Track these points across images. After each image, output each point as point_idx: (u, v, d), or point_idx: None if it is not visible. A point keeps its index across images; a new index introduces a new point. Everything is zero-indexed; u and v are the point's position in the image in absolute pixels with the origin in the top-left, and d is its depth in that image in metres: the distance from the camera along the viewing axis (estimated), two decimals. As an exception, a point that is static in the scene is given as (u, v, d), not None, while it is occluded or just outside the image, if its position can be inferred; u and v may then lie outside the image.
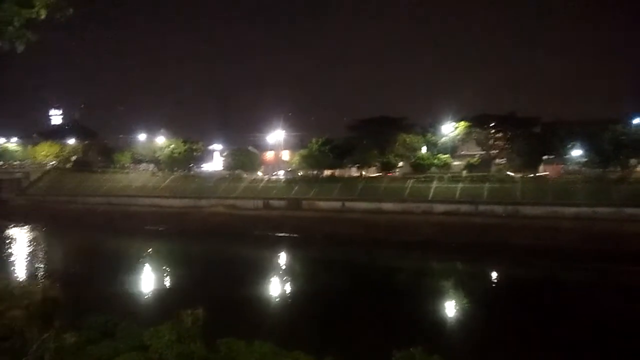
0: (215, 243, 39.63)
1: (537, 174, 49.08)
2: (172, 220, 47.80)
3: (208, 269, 29.88)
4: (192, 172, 66.97)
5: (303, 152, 59.51)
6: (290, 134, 72.09)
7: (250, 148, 71.67)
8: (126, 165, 71.85)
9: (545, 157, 51.20)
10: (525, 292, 23.66)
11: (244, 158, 65.58)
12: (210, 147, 79.23)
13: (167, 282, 26.19)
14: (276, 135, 71.40)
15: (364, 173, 56.73)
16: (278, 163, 72.13)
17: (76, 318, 10.33)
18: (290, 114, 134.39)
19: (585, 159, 47.09)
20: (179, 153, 65.28)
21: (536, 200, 39.87)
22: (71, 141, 78.66)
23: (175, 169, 66.33)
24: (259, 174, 64.98)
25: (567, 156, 49.75)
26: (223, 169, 70.53)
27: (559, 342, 15.23)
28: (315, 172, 58.71)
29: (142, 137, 74.49)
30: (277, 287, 24.94)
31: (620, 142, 42.73)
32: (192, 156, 67.06)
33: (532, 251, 31.13)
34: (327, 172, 59.07)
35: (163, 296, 22.73)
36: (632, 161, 45.44)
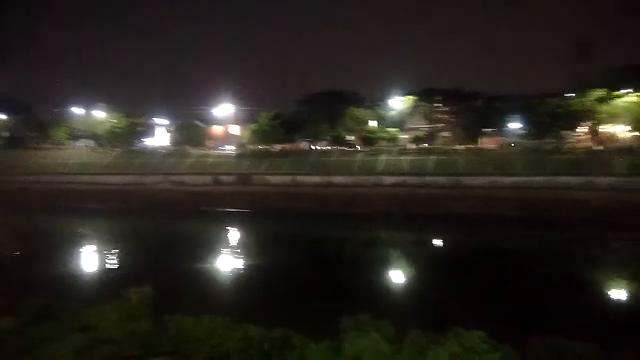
0: (162, 220, 38.43)
1: (479, 146, 51.28)
2: (115, 198, 45.71)
3: (155, 246, 28.96)
4: (135, 148, 64.00)
5: (253, 126, 58.52)
6: (239, 107, 70.42)
7: (197, 122, 69.32)
8: (63, 142, 67.35)
9: (486, 129, 53.54)
10: (467, 258, 24.85)
11: (190, 133, 63.52)
12: (155, 122, 75.70)
13: (112, 262, 25.13)
14: (224, 109, 69.43)
15: (314, 147, 56.85)
16: (227, 137, 70.47)
17: (13, 302, 9.65)
18: (238, 87, 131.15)
19: (523, 131, 49.86)
20: (121, 128, 62.02)
21: (478, 171, 41.78)
22: (1, 116, 72.25)
23: (117, 144, 63.08)
24: (207, 149, 63.23)
25: (506, 128, 52.35)
26: (169, 144, 67.98)
27: (498, 305, 16.19)
28: (265, 146, 58.02)
29: (79, 111, 69.71)
30: (227, 262, 24.65)
31: (556, 114, 45.37)
32: (135, 131, 64.03)
33: (474, 219, 32.71)
34: (277, 147, 58.55)
35: (108, 276, 21.80)
36: (565, 132, 48.52)
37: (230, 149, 62.47)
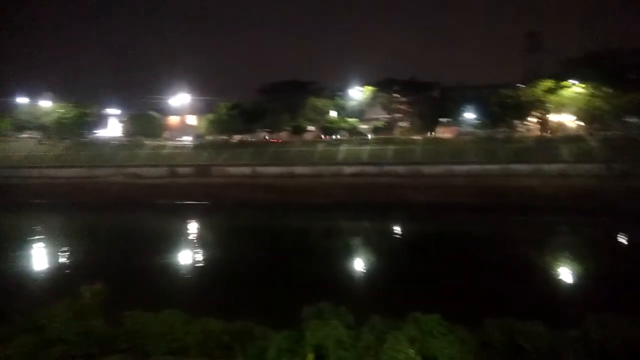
0: (116, 215, 37.07)
1: (435, 136, 52.61)
2: (65, 192, 43.58)
3: (109, 242, 27.93)
4: (85, 139, 61.15)
5: (211, 116, 57.29)
6: (196, 97, 68.62)
7: (151, 112, 67.03)
8: (6, 134, 63.28)
9: (443, 119, 55.00)
10: (425, 244, 25.58)
11: (145, 123, 61.38)
12: (106, 112, 72.52)
13: (63, 259, 24.01)
14: (181, 99, 67.47)
15: (268, 137, 56.40)
16: (184, 128, 68.63)
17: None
18: (196, 76, 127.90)
19: (477, 121, 51.62)
20: (69, 118, 58.99)
21: (434, 160, 42.92)
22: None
23: (66, 136, 60.01)
24: (163, 140, 61.38)
25: (461, 118, 54.00)
26: (122, 136, 65.40)
27: (455, 288, 16.76)
28: (224, 137, 57.01)
29: (24, 101, 65.55)
30: (186, 256, 24.13)
31: (507, 104, 47.18)
32: (85, 122, 61.09)
33: (432, 207, 33.62)
34: (236, 137, 57.68)
35: (59, 274, 20.84)
36: (517, 122, 50.59)
37: (187, 140, 60.94)
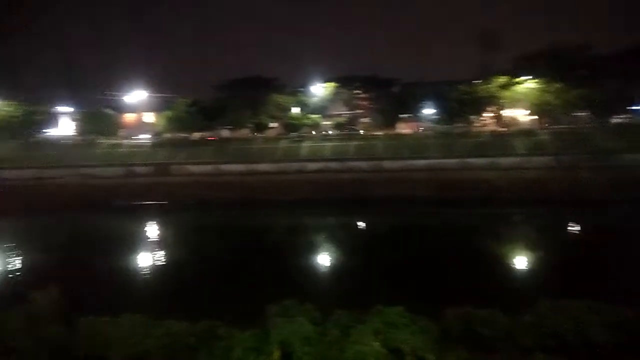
0: (70, 217, 35.47)
1: (396, 131, 53.54)
2: (15, 194, 41.27)
3: (63, 245, 26.67)
4: (35, 139, 58.08)
5: (169, 113, 55.77)
6: (153, 94, 66.45)
7: (106, 110, 64.44)
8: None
9: (403, 115, 56.03)
10: (388, 238, 26.03)
11: (99, 121, 59.02)
12: (57, 110, 68.99)
13: (12, 265, 22.77)
14: (136, 96, 65.19)
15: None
16: (141, 126, 66.46)
17: None
18: (152, 72, 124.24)
19: (436, 116, 52.95)
20: (17, 117, 55.79)
21: (395, 155, 43.70)
22: None
23: (14, 136, 56.68)
24: (119, 138, 59.22)
25: (421, 114, 55.23)
26: (75, 134, 62.61)
27: (417, 280, 17.18)
28: (183, 134, 55.73)
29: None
30: (146, 258, 23.46)
31: (464, 100, 48.62)
32: (34, 120, 57.91)
33: (394, 201, 34.23)
34: (196, 135, 56.52)
35: (8, 280, 19.77)
36: (473, 117, 52.25)
37: (144, 138, 59.13)
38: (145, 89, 64.89)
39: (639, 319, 8.51)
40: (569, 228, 27.75)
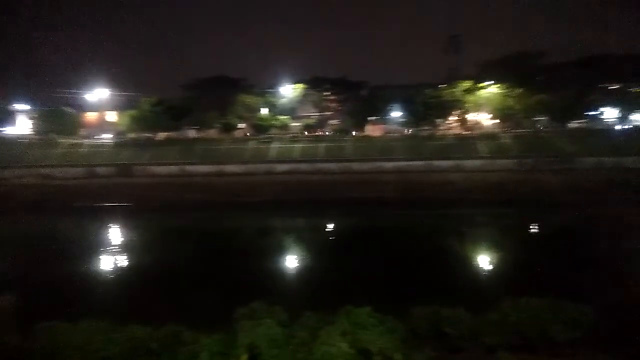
0: (27, 219, 33.86)
1: (365, 133, 54.09)
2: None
3: (19, 249, 25.44)
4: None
5: (133, 112, 54.23)
6: (116, 92, 64.31)
7: (66, 108, 61.95)
8: None
9: (371, 117, 56.70)
10: (356, 239, 26.16)
11: (59, 120, 56.73)
12: (13, 108, 65.75)
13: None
14: (98, 94, 62.99)
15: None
16: (102, 125, 64.29)
17: None
18: (115, 70, 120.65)
19: (403, 119, 53.90)
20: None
21: (364, 157, 44.12)
22: None
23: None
24: (80, 138, 57.08)
25: (389, 116, 56.07)
26: (32, 133, 59.90)
27: (385, 280, 17.34)
28: (148, 134, 54.34)
29: None
30: (108, 261, 22.68)
31: (430, 104, 49.68)
32: (-12, 118, 55.18)
33: (363, 202, 34.49)
34: (162, 135, 55.24)
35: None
36: (439, 120, 53.46)
37: (107, 137, 57.26)
38: (108, 87, 62.84)
39: (595, 315, 8.87)
40: (530, 228, 28.76)
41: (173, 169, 44.67)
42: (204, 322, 9.75)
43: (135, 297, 16.39)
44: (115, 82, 65.49)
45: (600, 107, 51.58)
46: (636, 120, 50.16)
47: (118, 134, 57.49)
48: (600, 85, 49.08)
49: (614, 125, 50.73)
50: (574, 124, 51.06)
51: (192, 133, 57.46)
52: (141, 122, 53.09)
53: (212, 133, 56.33)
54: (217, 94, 52.76)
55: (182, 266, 20.44)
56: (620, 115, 50.23)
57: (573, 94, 46.92)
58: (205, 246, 25.35)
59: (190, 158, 46.10)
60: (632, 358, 8.19)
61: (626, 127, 48.88)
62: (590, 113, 51.80)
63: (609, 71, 46.45)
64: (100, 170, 44.93)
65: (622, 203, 30.65)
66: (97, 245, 25.80)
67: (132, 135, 55.27)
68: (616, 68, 45.93)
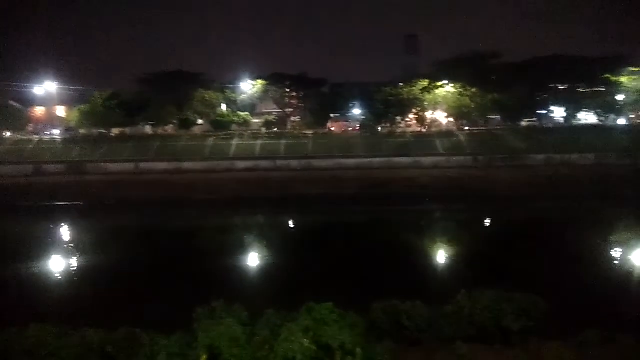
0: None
1: (326, 130, 54.33)
2: None
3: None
4: None
5: (84, 107, 51.86)
6: (66, 86, 61.12)
7: (11, 103, 58.37)
8: None
9: (333, 115, 57.02)
10: (318, 236, 26.27)
11: (4, 115, 53.40)
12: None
13: None
14: (46, 88, 59.69)
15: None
16: (52, 121, 61.14)
17: None
18: (65, 63, 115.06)
19: (363, 117, 54.56)
20: None
21: (325, 154, 44.29)
22: None
23: None
24: (27, 134, 54.04)
25: (350, 114, 56.58)
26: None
27: (347, 275, 17.50)
28: (101, 130, 52.20)
29: None
30: (57, 263, 21.61)
31: (389, 102, 50.52)
32: None
33: (324, 199, 34.65)
34: (115, 131, 53.20)
35: None
36: (398, 118, 54.47)
37: (56, 133, 54.55)
38: (57, 81, 59.64)
39: (545, 304, 9.33)
40: (484, 223, 29.90)
41: (128, 166, 43.12)
42: (161, 323, 9.50)
43: (86, 299, 15.73)
44: (65, 75, 62.25)
45: (550, 106, 54.27)
46: (583, 119, 53.15)
47: (68, 130, 54.87)
48: (550, 85, 51.64)
49: (562, 123, 53.52)
50: (525, 122, 53.41)
51: (147, 129, 55.62)
52: (93, 117, 50.87)
53: (169, 129, 54.79)
54: (174, 89, 51.29)
55: (137, 266, 19.78)
56: (568, 114, 53.01)
57: (525, 93, 49.08)
58: (162, 245, 24.64)
59: (146, 155, 44.65)
60: (580, 344, 8.67)
61: (573, 125, 51.66)
62: (540, 112, 54.39)
63: (558, 72, 48.94)
64: (49, 167, 42.70)
65: (567, 197, 32.47)
66: (44, 246, 24.50)
67: (83, 131, 52.89)
68: (565, 69, 48.46)
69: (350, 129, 56.08)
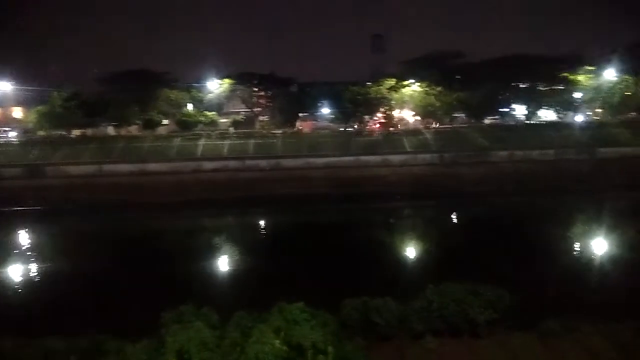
0: None
1: (295, 130, 54.18)
2: None
3: None
4: None
5: (42, 108, 49.73)
6: (23, 87, 58.28)
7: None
8: None
9: (302, 114, 56.91)
10: (288, 235, 26.20)
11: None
12: None
13: None
14: (2, 88, 56.78)
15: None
16: (6, 122, 58.32)
17: None
18: (20, 61, 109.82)
19: (332, 116, 54.79)
20: None
21: (294, 153, 44.14)
22: None
23: None
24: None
25: (319, 113, 56.63)
26: None
27: (317, 274, 17.51)
28: (60, 132, 50.21)
29: None
30: (14, 271, 20.66)
31: (357, 101, 50.90)
32: None
33: (294, 199, 34.57)
34: (76, 132, 51.31)
35: None
36: (366, 117, 54.93)
37: (12, 135, 52.12)
38: (13, 81, 56.77)
39: (510, 296, 9.63)
40: (450, 218, 30.63)
41: (90, 168, 41.61)
42: (128, 329, 9.23)
43: (48, 308, 15.11)
44: (21, 76, 59.12)
45: (512, 104, 56.06)
46: (543, 116, 55.15)
47: (26, 131, 52.52)
48: (512, 84, 53.37)
49: (524, 120, 55.37)
50: (488, 120, 54.94)
51: (110, 130, 53.86)
52: (52, 118, 48.81)
53: (133, 130, 53.20)
54: (138, 89, 49.84)
55: (102, 272, 19.13)
56: (529, 112, 54.91)
57: (488, 92, 50.50)
58: (127, 250, 23.93)
59: (109, 157, 43.21)
60: (542, 334, 9.00)
61: (534, 122, 53.56)
62: (503, 110, 56.11)
63: (520, 71, 50.64)
64: (6, 171, 40.67)
65: (529, 192, 33.70)
66: (4, 255, 23.34)
67: (42, 133, 50.73)
68: (527, 68, 50.19)
69: (322, 128, 56.00)
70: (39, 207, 33.96)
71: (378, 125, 54.10)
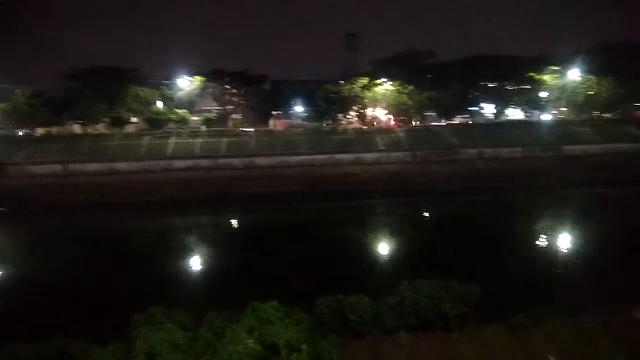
0: None
1: (268, 128, 53.85)
2: None
3: None
4: None
5: (4, 106, 47.77)
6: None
7: None
8: None
9: (275, 112, 56.59)
10: (261, 234, 25.98)
11: None
12: None
13: None
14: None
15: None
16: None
17: None
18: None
19: (306, 114, 54.70)
20: None
21: (268, 151, 43.92)
22: None
23: None
24: None
25: (291, 111, 56.43)
26: None
27: (292, 272, 17.44)
28: (24, 130, 48.37)
29: None
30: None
31: (330, 99, 51.02)
32: None
33: (267, 197, 34.36)
34: (40, 131, 49.51)
35: None
36: (340, 115, 55.12)
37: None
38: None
39: (480, 291, 9.84)
40: (423, 215, 31.08)
41: (55, 168, 40.22)
42: (95, 332, 8.95)
43: (12, 313, 14.50)
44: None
45: (481, 102, 57.38)
46: (511, 115, 56.66)
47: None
48: (481, 83, 54.63)
49: (492, 119, 56.78)
50: (458, 119, 56.07)
51: (76, 128, 52.19)
52: (15, 116, 46.97)
53: (100, 128, 51.70)
54: (105, 86, 48.43)
55: (68, 275, 18.51)
56: (497, 110, 56.33)
57: (457, 91, 51.54)
58: (94, 251, 23.21)
59: (76, 155, 41.86)
60: (511, 327, 9.24)
61: (502, 120, 54.98)
62: (472, 108, 57.37)
63: (489, 70, 51.91)
64: (-36, 171, 38.94)
65: (497, 188, 34.59)
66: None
67: (4, 131, 48.73)
68: (495, 68, 51.47)
69: (295, 126, 55.82)
70: (1, 209, 32.52)
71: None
